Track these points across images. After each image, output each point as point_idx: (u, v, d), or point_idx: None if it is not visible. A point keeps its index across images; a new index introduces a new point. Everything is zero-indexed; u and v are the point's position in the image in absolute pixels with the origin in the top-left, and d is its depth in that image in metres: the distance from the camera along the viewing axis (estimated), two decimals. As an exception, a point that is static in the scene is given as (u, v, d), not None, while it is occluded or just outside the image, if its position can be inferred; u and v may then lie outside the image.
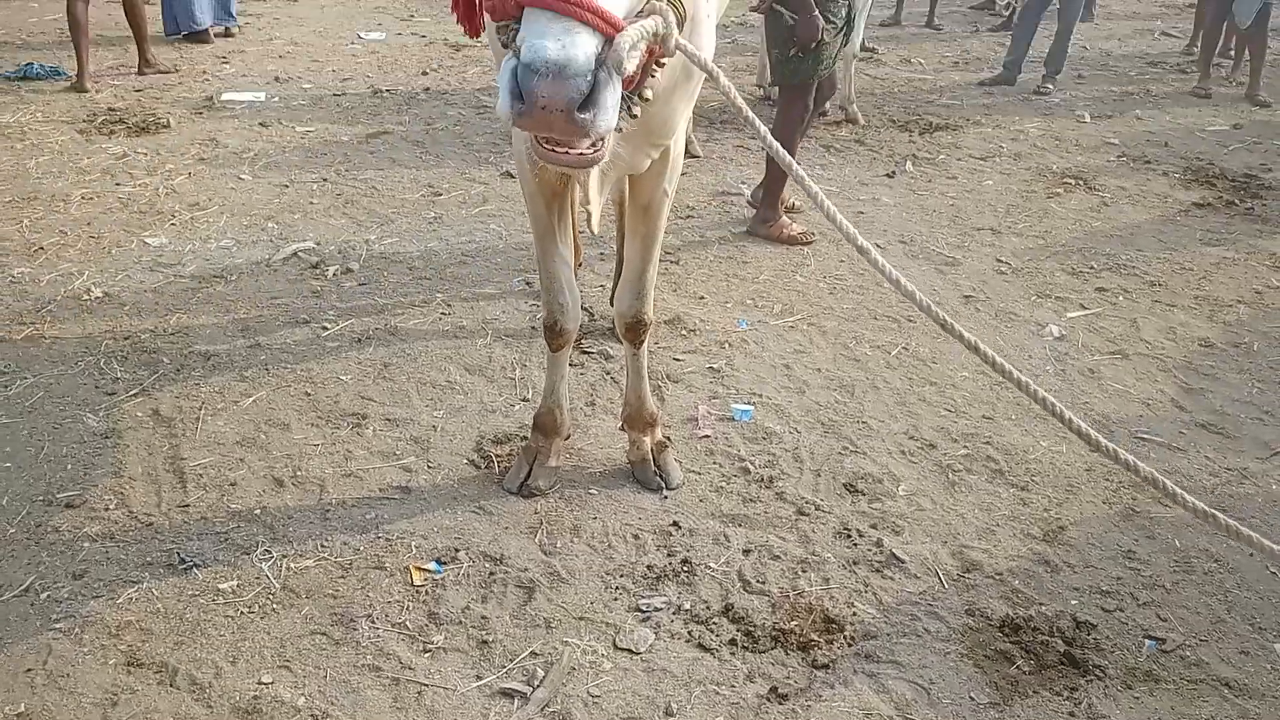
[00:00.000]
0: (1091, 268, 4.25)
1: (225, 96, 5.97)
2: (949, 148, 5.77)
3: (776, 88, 6.25)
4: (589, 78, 1.28)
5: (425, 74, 6.81)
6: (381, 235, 4.23)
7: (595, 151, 1.44)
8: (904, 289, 1.68)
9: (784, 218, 4.45)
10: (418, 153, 5.26)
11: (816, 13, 3.98)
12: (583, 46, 1.28)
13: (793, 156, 3.99)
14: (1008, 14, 9.03)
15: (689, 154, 5.97)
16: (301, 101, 6.00)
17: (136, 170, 4.77)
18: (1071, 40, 7.14)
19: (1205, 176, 5.43)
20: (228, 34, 7.46)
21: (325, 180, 4.78)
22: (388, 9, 8.89)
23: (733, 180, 5.12)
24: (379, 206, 4.52)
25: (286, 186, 4.68)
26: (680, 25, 1.50)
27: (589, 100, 1.29)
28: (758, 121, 1.67)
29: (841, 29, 4.23)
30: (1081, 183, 5.28)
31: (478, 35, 2.20)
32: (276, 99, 6.03)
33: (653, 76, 1.65)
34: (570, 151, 1.42)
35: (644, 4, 1.46)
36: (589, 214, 2.32)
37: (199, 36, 7.15)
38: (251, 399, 3.02)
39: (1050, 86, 7.01)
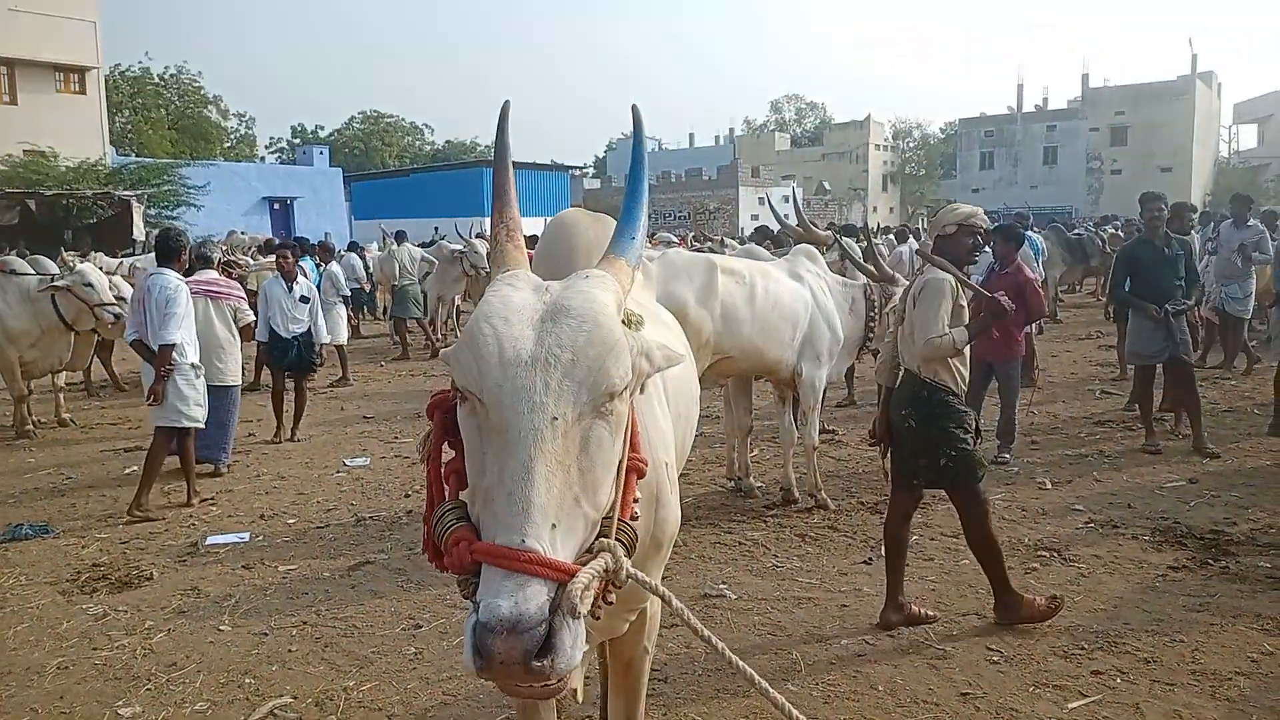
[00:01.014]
0: (1083, 648, 4.19)
1: (209, 541, 6.09)
2: (920, 527, 5.89)
3: (737, 481, 6.51)
4: (543, 628, 1.35)
5: (408, 496, 7.03)
6: (360, 680, 4.14)
7: (558, 683, 1.47)
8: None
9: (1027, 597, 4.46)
10: (399, 581, 5.30)
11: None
12: (534, 599, 1.36)
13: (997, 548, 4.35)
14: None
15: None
16: (286, 538, 6.13)
17: (115, 631, 4.74)
18: (1018, 408, 7.58)
19: (1174, 536, 5.54)
20: (216, 473, 7.75)
21: (305, 624, 4.76)
22: (372, 433, 9.36)
23: (713, 580, 5.15)
24: (358, 647, 4.47)
25: (265, 635, 4.65)
26: (631, 550, 1.59)
27: (545, 646, 1.35)
28: (720, 645, 1.73)
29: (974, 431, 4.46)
30: (1056, 554, 5.36)
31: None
32: (261, 538, 6.16)
33: (608, 603, 1.73)
34: (534, 685, 1.45)
35: (594, 539, 1.56)
36: (574, 689, 2.31)
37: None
38: None
39: (1007, 456, 7.34)
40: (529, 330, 1.52)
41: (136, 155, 39.06)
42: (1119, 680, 3.89)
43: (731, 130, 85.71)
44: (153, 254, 17.01)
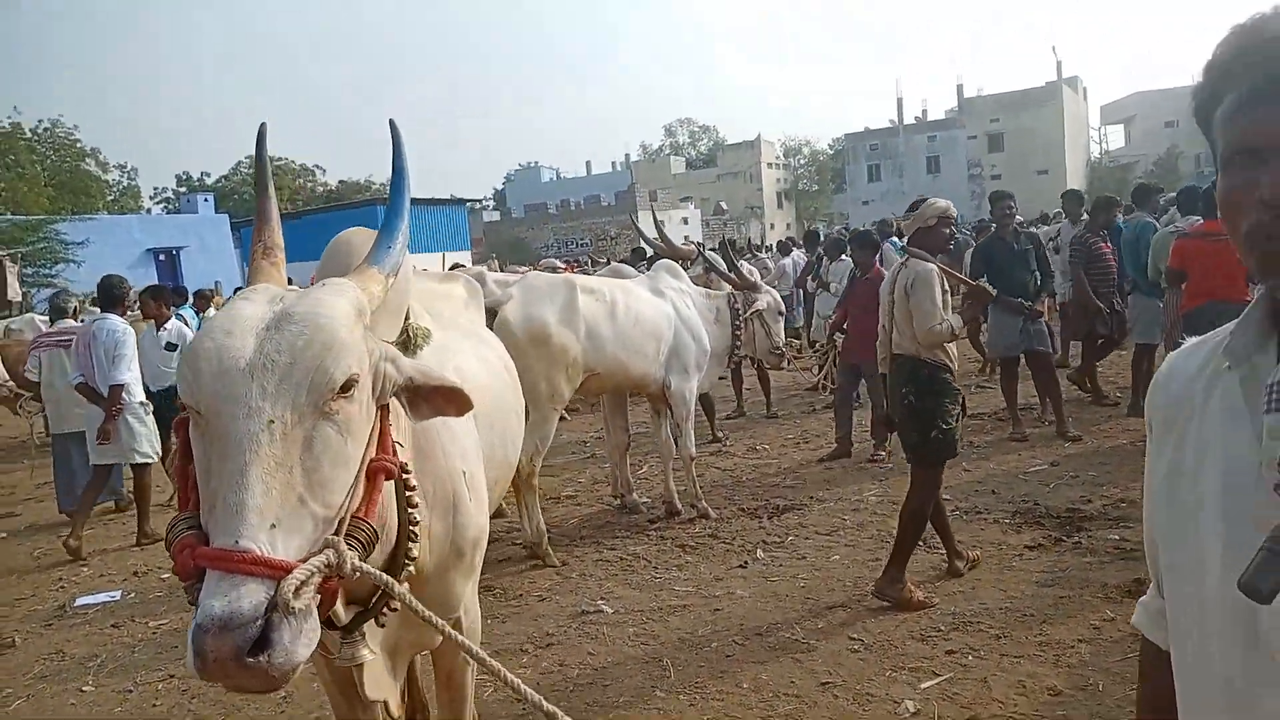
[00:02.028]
0: (939, 630, 4.36)
1: (79, 602, 5.89)
2: (796, 528, 6.05)
3: (622, 498, 6.57)
4: (258, 624, 1.38)
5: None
6: (228, 728, 4.06)
7: (280, 678, 1.44)
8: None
9: (909, 584, 4.64)
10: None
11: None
12: (248, 598, 1.38)
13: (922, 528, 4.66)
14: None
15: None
16: (159, 593, 5.96)
17: (-31, 704, 4.55)
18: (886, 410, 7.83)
19: (1033, 517, 5.80)
20: (118, 509, 7.79)
21: (172, 676, 4.63)
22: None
23: (592, 596, 5.19)
24: (225, 695, 4.37)
25: (130, 691, 4.52)
26: (368, 548, 1.62)
27: (263, 642, 1.38)
28: (448, 628, 1.72)
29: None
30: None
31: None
32: (133, 594, 5.98)
33: (392, 609, 1.73)
34: (254, 682, 1.44)
35: (337, 521, 1.57)
36: (385, 703, 2.32)
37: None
38: None
39: (882, 454, 7.57)
40: (250, 340, 1.55)
41: (12, 214, 37.49)
42: (970, 657, 4.06)
43: (628, 156, 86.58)
44: (30, 314, 16.42)
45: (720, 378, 7.27)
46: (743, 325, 6.45)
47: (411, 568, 1.93)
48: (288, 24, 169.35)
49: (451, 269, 12.38)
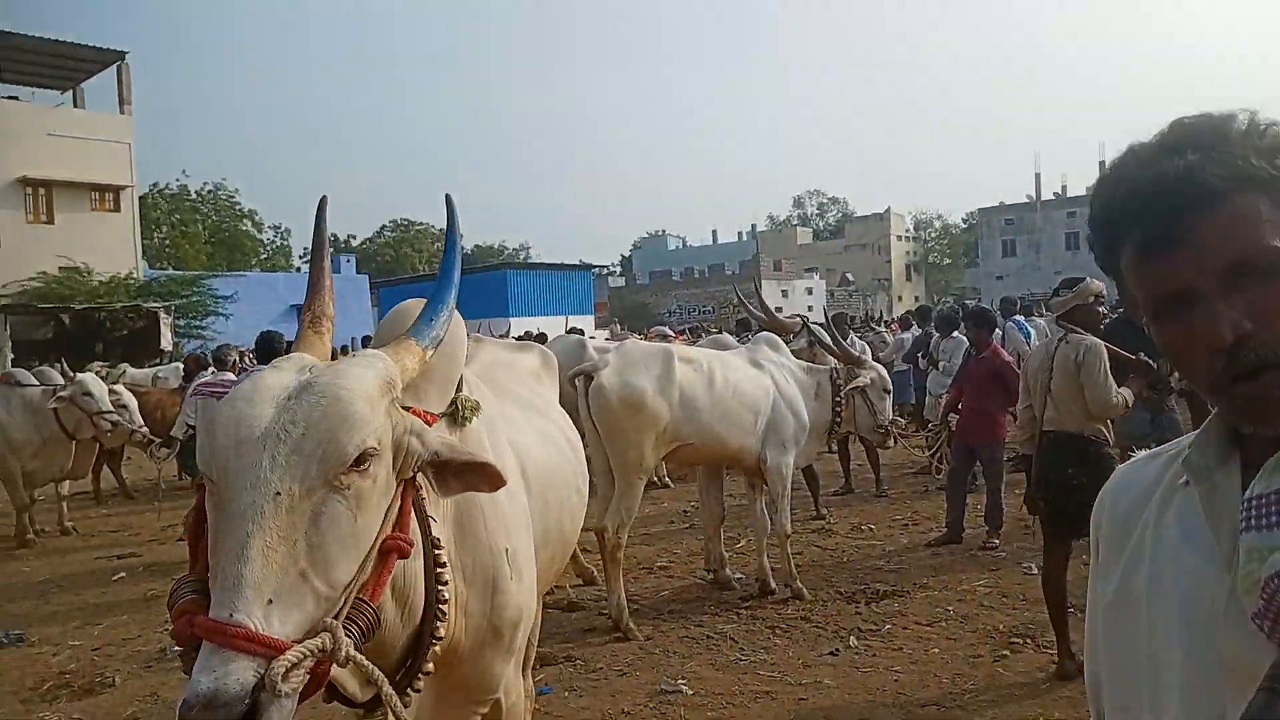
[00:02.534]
0: (1043, 735, 4.03)
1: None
2: (895, 616, 5.75)
3: (715, 573, 6.43)
4: (244, 704, 1.34)
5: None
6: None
7: None
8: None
9: None
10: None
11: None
12: (236, 675, 1.34)
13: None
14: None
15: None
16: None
17: (63, 738, 4.70)
18: (1003, 492, 7.44)
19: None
20: None
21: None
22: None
23: (672, 675, 5.02)
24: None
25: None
26: (367, 633, 1.57)
27: None
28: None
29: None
30: (1029, 641, 5.19)
31: None
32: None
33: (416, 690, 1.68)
34: None
35: (334, 617, 1.52)
36: None
37: None
38: None
39: (995, 541, 7.17)
40: (268, 409, 1.54)
41: (174, 269, 40.23)
42: (1072, 772, 3.72)
43: (754, 226, 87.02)
44: (176, 364, 17.41)
45: (822, 452, 7.04)
46: (844, 401, 6.25)
47: (438, 647, 1.87)
48: (426, 100, 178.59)
49: (569, 332, 12.55)
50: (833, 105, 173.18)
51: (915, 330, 13.39)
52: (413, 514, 1.76)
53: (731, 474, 7.15)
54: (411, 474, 1.71)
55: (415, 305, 2.37)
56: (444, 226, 2.24)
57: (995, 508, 7.30)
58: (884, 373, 6.64)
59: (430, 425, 1.83)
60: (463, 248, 2.19)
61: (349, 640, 1.48)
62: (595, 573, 6.56)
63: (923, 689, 4.67)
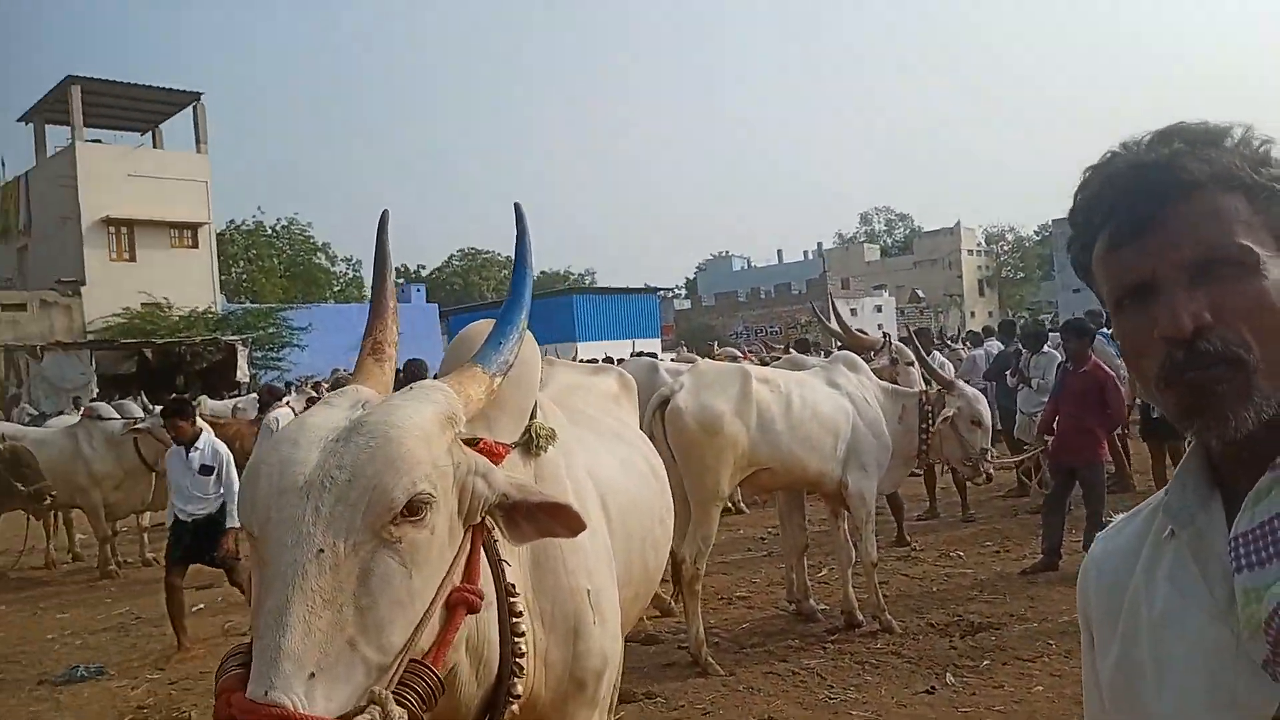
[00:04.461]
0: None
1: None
2: (993, 651, 5.41)
3: (798, 604, 6.14)
4: None
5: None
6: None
7: None
8: None
9: None
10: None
11: None
12: None
13: None
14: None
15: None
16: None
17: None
18: (1104, 519, 7.03)
19: None
20: None
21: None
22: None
23: (759, 715, 4.78)
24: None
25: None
26: (427, 702, 1.38)
27: None
28: None
29: None
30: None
31: None
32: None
33: None
34: None
35: (385, 684, 1.34)
36: None
37: None
38: None
39: (1095, 566, 6.76)
40: (314, 453, 1.38)
41: (251, 302, 41.24)
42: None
43: (820, 244, 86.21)
44: (252, 395, 17.66)
45: (909, 474, 6.70)
46: (930, 427, 5.88)
47: (515, 706, 1.69)
48: (491, 132, 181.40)
49: (635, 355, 12.39)
50: (897, 118, 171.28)
51: (989, 346, 12.88)
52: (483, 558, 1.58)
53: (811, 499, 6.88)
54: (480, 518, 1.54)
55: (484, 327, 2.20)
56: (510, 254, 2.06)
57: (1095, 531, 6.89)
58: (975, 401, 6.09)
59: (502, 456, 1.65)
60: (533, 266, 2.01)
61: (402, 710, 1.30)
62: (671, 603, 6.33)
63: (1029, 731, 4.35)
